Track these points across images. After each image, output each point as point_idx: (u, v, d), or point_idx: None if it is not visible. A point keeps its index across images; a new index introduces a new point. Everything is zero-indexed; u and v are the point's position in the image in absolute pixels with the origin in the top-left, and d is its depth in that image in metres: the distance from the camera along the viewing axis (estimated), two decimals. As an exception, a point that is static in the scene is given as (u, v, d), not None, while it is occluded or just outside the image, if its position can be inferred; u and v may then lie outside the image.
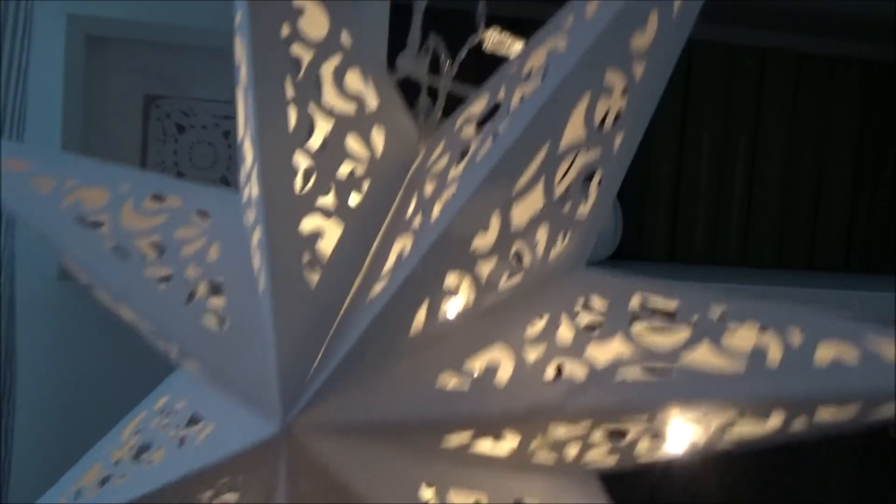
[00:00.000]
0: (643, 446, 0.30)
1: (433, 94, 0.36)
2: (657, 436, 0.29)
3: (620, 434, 0.29)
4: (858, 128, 0.81)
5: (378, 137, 0.32)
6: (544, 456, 0.30)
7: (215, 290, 0.32)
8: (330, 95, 0.31)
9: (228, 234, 0.33)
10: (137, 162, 0.77)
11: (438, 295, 0.29)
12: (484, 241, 0.29)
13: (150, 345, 0.35)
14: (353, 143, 0.31)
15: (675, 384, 0.27)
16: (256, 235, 0.30)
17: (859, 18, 0.80)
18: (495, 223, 0.28)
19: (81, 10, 0.74)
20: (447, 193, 0.29)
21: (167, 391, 0.36)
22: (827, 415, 0.27)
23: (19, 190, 0.35)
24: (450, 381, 0.29)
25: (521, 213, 0.29)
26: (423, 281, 0.28)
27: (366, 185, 0.31)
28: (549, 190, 0.29)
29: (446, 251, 0.28)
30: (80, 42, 0.73)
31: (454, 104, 0.34)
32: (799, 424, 0.28)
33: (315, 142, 0.30)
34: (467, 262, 0.29)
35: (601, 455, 0.30)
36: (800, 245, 0.81)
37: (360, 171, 0.31)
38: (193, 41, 0.75)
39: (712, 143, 0.78)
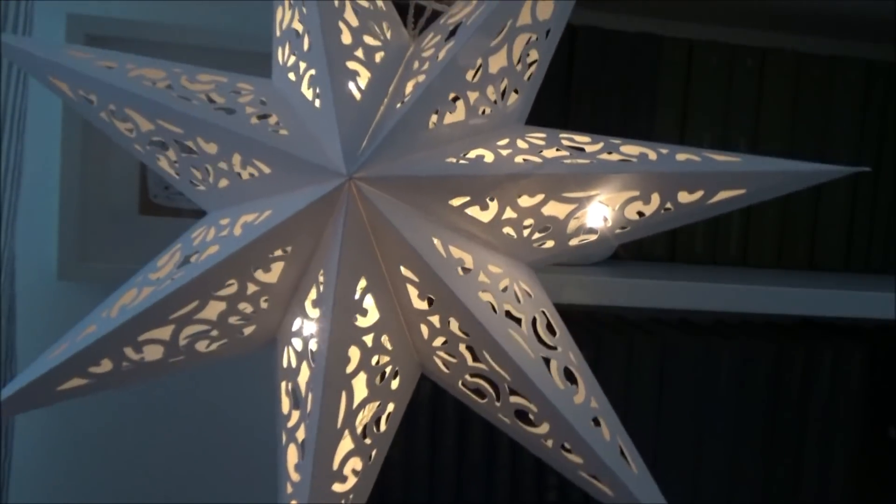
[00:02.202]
0: (572, 225, 0.45)
1: (418, 10, 0.53)
2: (581, 217, 0.44)
3: (555, 221, 0.45)
4: (858, 128, 0.81)
5: (387, 28, 0.48)
6: (509, 230, 0.45)
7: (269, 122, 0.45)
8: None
9: (269, 92, 0.46)
10: (137, 161, 0.77)
11: (444, 106, 0.43)
12: (471, 75, 0.44)
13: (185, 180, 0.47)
14: (373, 25, 0.47)
15: (596, 164, 0.43)
16: (312, 72, 0.44)
17: (859, 18, 0.80)
18: (480, 64, 0.44)
19: (81, 10, 0.75)
20: (446, 47, 0.44)
21: (193, 231, 0.47)
22: (685, 198, 0.43)
23: (91, 69, 0.46)
24: (455, 162, 0.43)
25: (494, 63, 0.45)
26: (436, 92, 0.43)
27: (381, 54, 0.46)
28: (509, 53, 0.45)
29: (451, 75, 0.43)
30: (80, 42, 0.73)
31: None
32: (669, 206, 0.44)
33: (352, 21, 0.46)
34: (462, 87, 0.44)
35: (543, 237, 0.45)
36: (800, 245, 0.81)
37: (378, 43, 0.46)
38: (194, 41, 0.76)
39: (712, 143, 0.78)
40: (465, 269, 0.43)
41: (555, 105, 0.75)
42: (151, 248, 0.78)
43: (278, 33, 0.48)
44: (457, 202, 0.43)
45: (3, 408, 0.44)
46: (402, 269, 0.43)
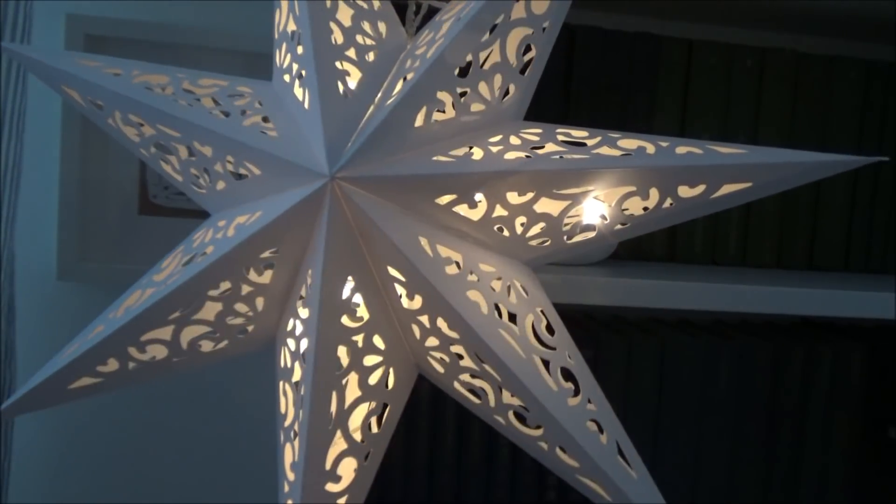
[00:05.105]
0: (568, 223, 0.44)
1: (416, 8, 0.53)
2: (577, 214, 0.43)
3: (549, 218, 0.43)
4: (858, 128, 0.81)
5: (382, 27, 0.47)
6: (498, 227, 0.44)
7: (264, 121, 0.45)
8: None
9: (267, 94, 0.46)
10: (136, 161, 0.77)
11: (432, 104, 0.42)
12: (460, 72, 0.43)
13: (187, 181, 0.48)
14: (367, 25, 0.46)
15: (588, 160, 0.42)
16: (304, 73, 0.44)
17: (859, 18, 0.80)
18: (470, 60, 0.43)
19: (80, 10, 0.75)
20: (436, 45, 0.43)
21: (195, 233, 0.47)
22: (686, 193, 0.42)
23: (98, 77, 0.47)
24: (441, 160, 0.42)
25: (487, 59, 0.43)
26: (422, 90, 0.42)
27: (373, 53, 0.46)
28: (503, 49, 0.44)
29: (439, 72, 0.42)
30: (80, 41, 0.73)
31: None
32: (668, 203, 0.42)
33: (345, 21, 0.46)
34: (451, 85, 0.43)
35: (540, 234, 0.44)
36: (800, 245, 0.81)
37: (371, 42, 0.46)
38: (193, 41, 0.75)
39: (712, 143, 0.78)
40: (457, 268, 0.43)
41: (554, 105, 0.75)
42: (151, 248, 0.78)
43: (276, 35, 0.48)
44: (443, 200, 0.42)
45: (19, 405, 0.46)
46: (389, 268, 0.43)
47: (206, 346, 0.46)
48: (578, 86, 0.76)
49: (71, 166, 0.74)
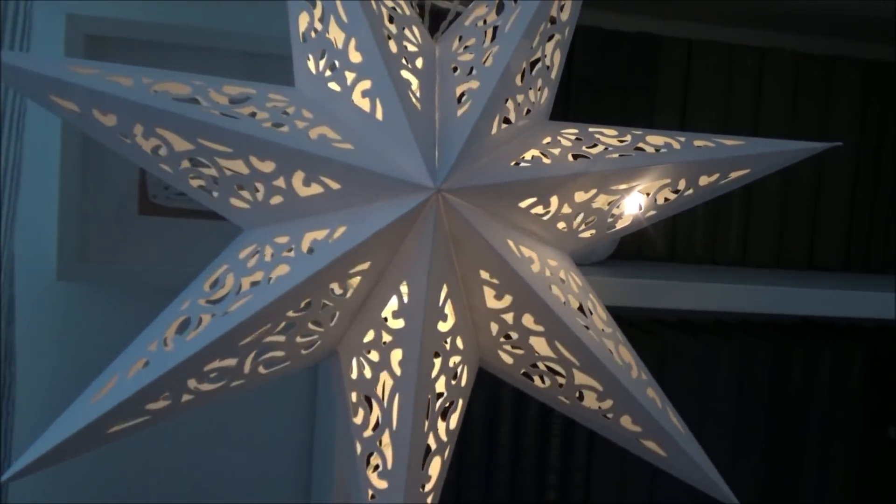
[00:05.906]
0: (613, 214, 0.49)
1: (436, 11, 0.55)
2: (619, 206, 0.49)
3: (600, 212, 0.49)
4: (858, 127, 0.81)
5: (417, 32, 0.48)
6: (561, 224, 0.48)
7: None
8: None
9: (307, 103, 0.45)
10: (137, 162, 0.77)
11: (503, 112, 0.45)
12: (518, 78, 0.46)
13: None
14: (407, 31, 0.47)
15: (638, 157, 0.47)
16: (366, 83, 0.43)
17: (859, 18, 0.80)
18: (524, 67, 0.46)
19: (81, 10, 0.75)
20: (491, 52, 0.46)
21: (239, 250, 0.44)
22: (704, 181, 0.49)
23: (103, 84, 0.41)
24: (524, 166, 0.46)
25: (533, 65, 0.47)
26: (496, 100, 0.44)
27: (421, 60, 0.47)
28: (543, 53, 0.48)
29: (507, 81, 0.45)
30: (80, 42, 0.73)
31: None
32: (690, 188, 0.49)
33: (391, 27, 0.47)
34: (514, 92, 0.46)
35: (587, 227, 0.49)
36: (800, 245, 0.81)
37: (415, 49, 0.47)
38: (193, 41, 0.75)
39: (712, 143, 0.78)
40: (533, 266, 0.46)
41: (554, 106, 0.75)
42: (151, 248, 0.78)
43: (304, 40, 0.46)
44: (525, 203, 0.45)
45: (53, 455, 0.40)
46: (480, 272, 0.44)
47: (268, 366, 0.44)
48: (578, 86, 0.76)
49: (71, 166, 0.74)
